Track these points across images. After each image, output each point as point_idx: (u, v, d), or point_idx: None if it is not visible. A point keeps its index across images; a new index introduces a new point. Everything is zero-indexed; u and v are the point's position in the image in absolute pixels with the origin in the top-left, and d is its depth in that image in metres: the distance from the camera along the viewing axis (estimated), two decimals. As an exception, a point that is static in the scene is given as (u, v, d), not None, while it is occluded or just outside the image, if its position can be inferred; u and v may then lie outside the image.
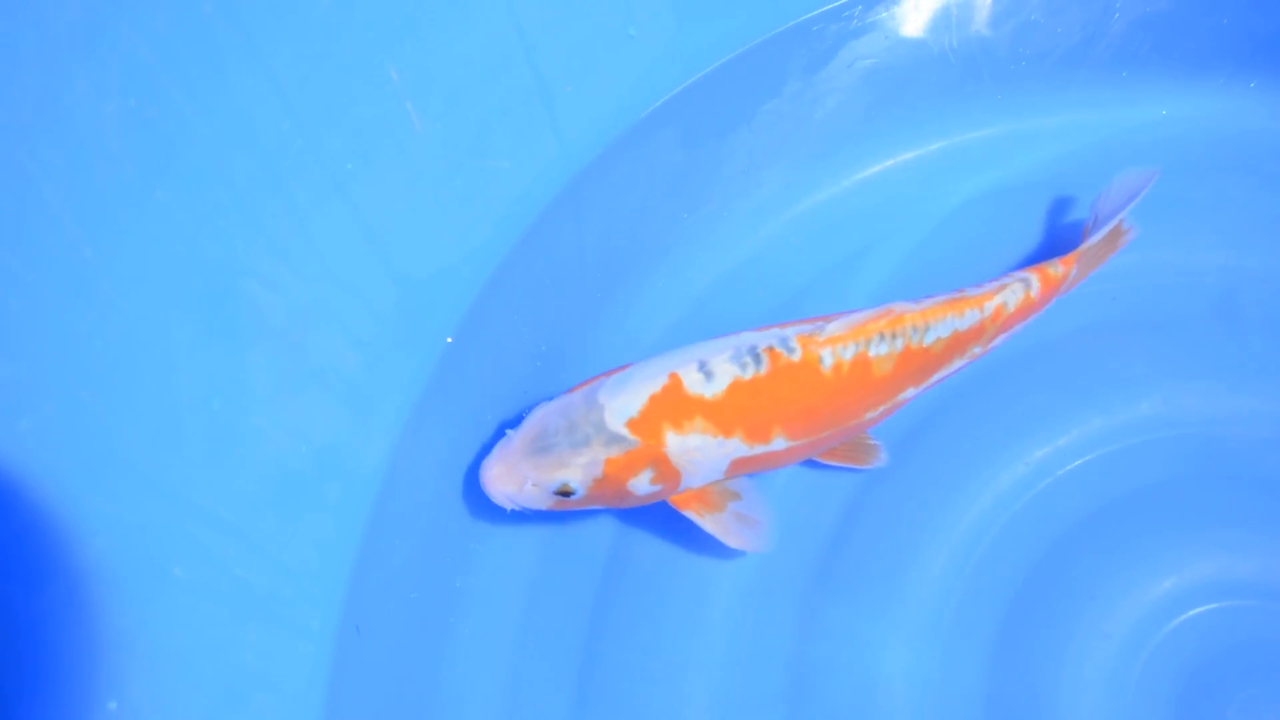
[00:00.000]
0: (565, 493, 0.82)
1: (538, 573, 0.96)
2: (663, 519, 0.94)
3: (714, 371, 0.81)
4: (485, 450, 0.95)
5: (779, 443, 0.84)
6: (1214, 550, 0.95)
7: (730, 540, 0.86)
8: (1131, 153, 1.07)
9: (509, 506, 0.84)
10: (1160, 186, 1.06)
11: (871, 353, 0.83)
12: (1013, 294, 0.91)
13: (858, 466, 0.93)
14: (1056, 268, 0.93)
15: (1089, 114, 1.09)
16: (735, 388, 0.81)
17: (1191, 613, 0.93)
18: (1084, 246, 0.95)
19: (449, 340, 0.97)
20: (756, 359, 0.81)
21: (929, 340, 0.86)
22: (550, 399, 0.85)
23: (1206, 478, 0.97)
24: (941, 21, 1.10)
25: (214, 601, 0.76)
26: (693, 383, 0.81)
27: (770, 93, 1.09)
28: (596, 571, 0.96)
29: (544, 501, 0.83)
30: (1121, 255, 1.05)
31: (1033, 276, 0.92)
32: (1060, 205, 1.06)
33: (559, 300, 1.01)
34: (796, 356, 0.82)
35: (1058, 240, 1.05)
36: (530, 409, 0.86)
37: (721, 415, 0.81)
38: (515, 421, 0.87)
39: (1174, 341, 1.01)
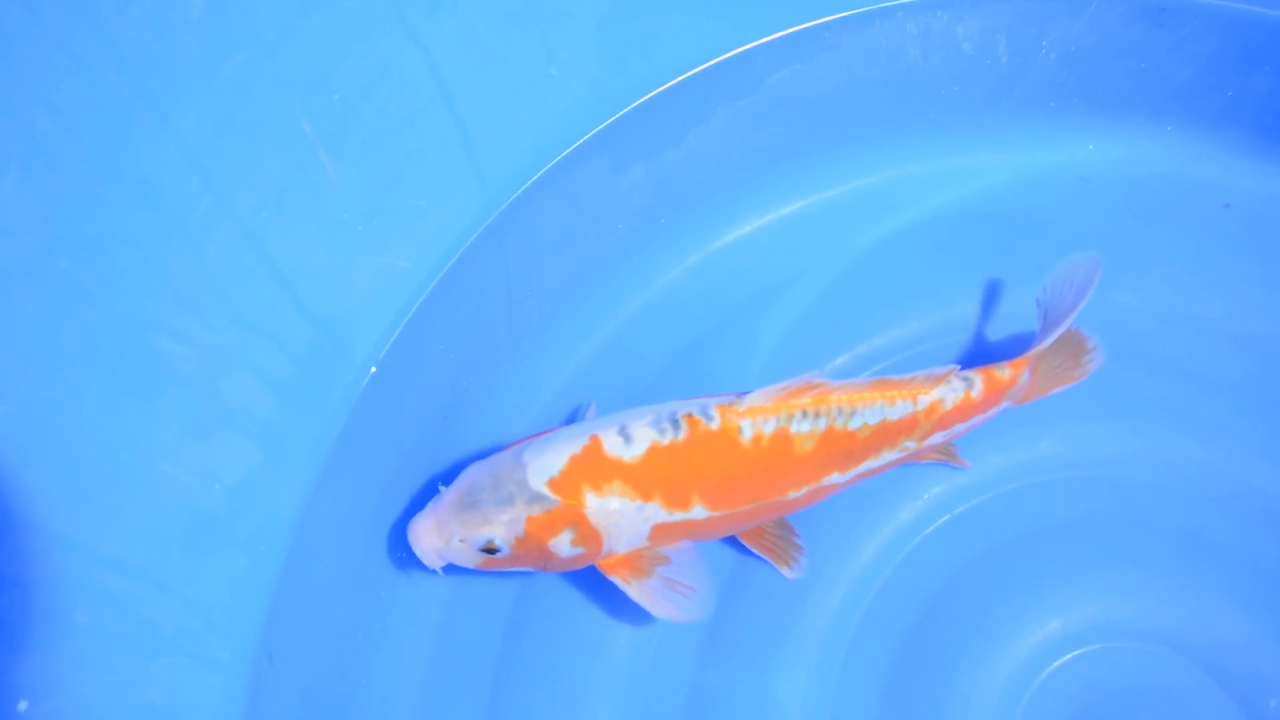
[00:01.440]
0: (490, 550, 0.84)
1: (451, 600, 0.99)
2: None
3: (633, 436, 0.83)
4: (407, 488, 0.98)
5: (699, 511, 0.85)
6: (1100, 592, 0.98)
7: (656, 610, 0.86)
8: (1053, 194, 1.09)
9: (438, 564, 0.87)
10: (1074, 227, 1.09)
11: (793, 429, 0.85)
12: (951, 391, 0.89)
13: (777, 566, 0.94)
14: (1004, 371, 0.92)
15: (1013, 153, 1.11)
16: (653, 452, 0.83)
17: (1074, 653, 0.96)
18: (1034, 350, 0.92)
19: (373, 370, 0.99)
20: (675, 425, 0.84)
21: (854, 425, 0.86)
22: (481, 456, 0.88)
23: (1100, 520, 1.00)
24: (870, 56, 1.11)
25: (119, 643, 0.79)
26: (612, 445, 0.83)
27: (697, 128, 1.10)
28: (507, 599, 0.99)
29: (471, 559, 0.86)
30: (1032, 293, 1.08)
31: (976, 377, 0.91)
32: (982, 244, 1.08)
33: (480, 338, 1.03)
34: (715, 425, 0.84)
35: (977, 278, 1.07)
36: (461, 466, 0.89)
37: (640, 479, 0.83)
38: (447, 476, 0.90)
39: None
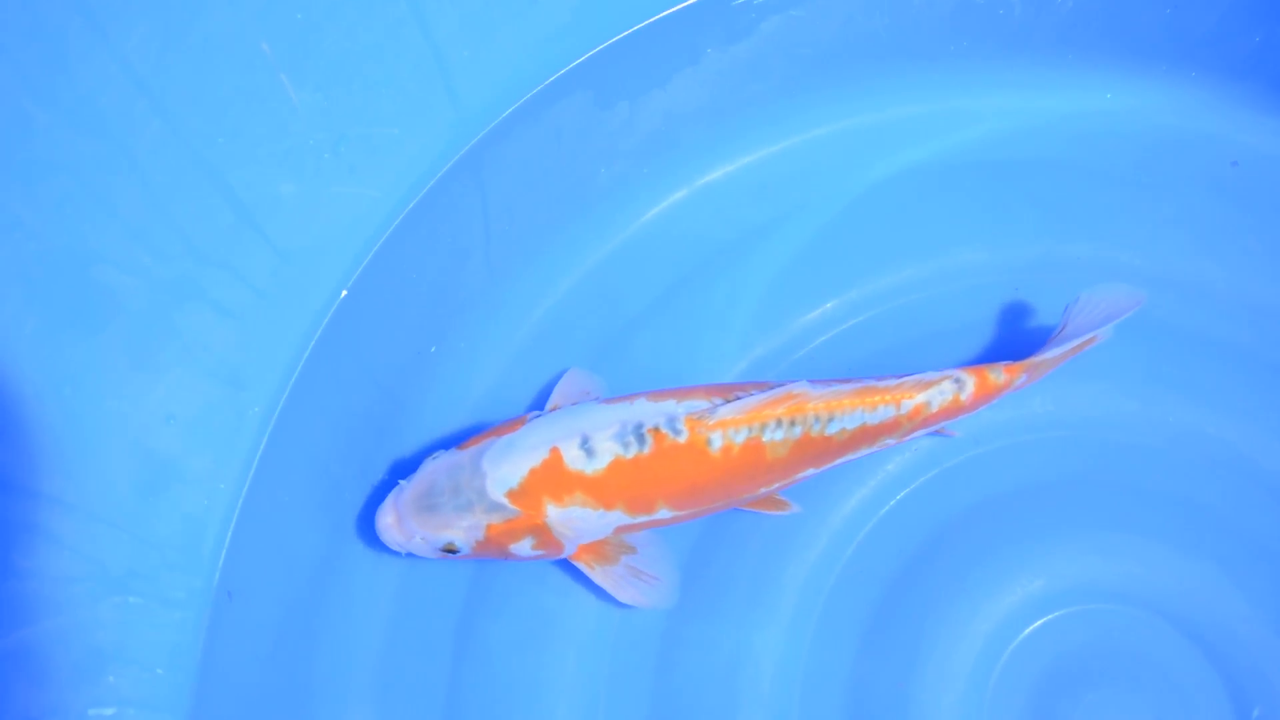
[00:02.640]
0: (451, 550, 0.84)
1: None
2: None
3: (595, 449, 0.81)
4: (375, 425, 0.96)
5: (664, 513, 0.85)
6: (1085, 554, 0.96)
7: (622, 595, 0.87)
8: (1060, 143, 1.05)
9: (402, 551, 0.87)
10: (1079, 179, 1.04)
11: (765, 438, 0.83)
12: (940, 394, 0.87)
13: (770, 513, 0.92)
14: (999, 375, 0.89)
15: (1024, 97, 1.05)
16: (616, 466, 0.81)
17: (1055, 614, 0.95)
18: (1039, 357, 0.89)
19: (344, 294, 0.96)
20: (640, 439, 0.81)
21: (832, 430, 0.84)
22: (445, 448, 0.87)
23: (1088, 480, 0.98)
24: (873, 3, 1.04)
25: (63, 585, 0.77)
26: (573, 459, 0.81)
27: (688, 59, 1.05)
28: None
29: (432, 554, 0.86)
30: (1030, 247, 1.03)
31: (969, 379, 0.88)
32: (985, 191, 1.04)
33: (453, 272, 1.00)
34: (683, 439, 0.82)
35: (978, 226, 1.03)
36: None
37: (602, 490, 0.82)
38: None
39: (1074, 340, 1.00)
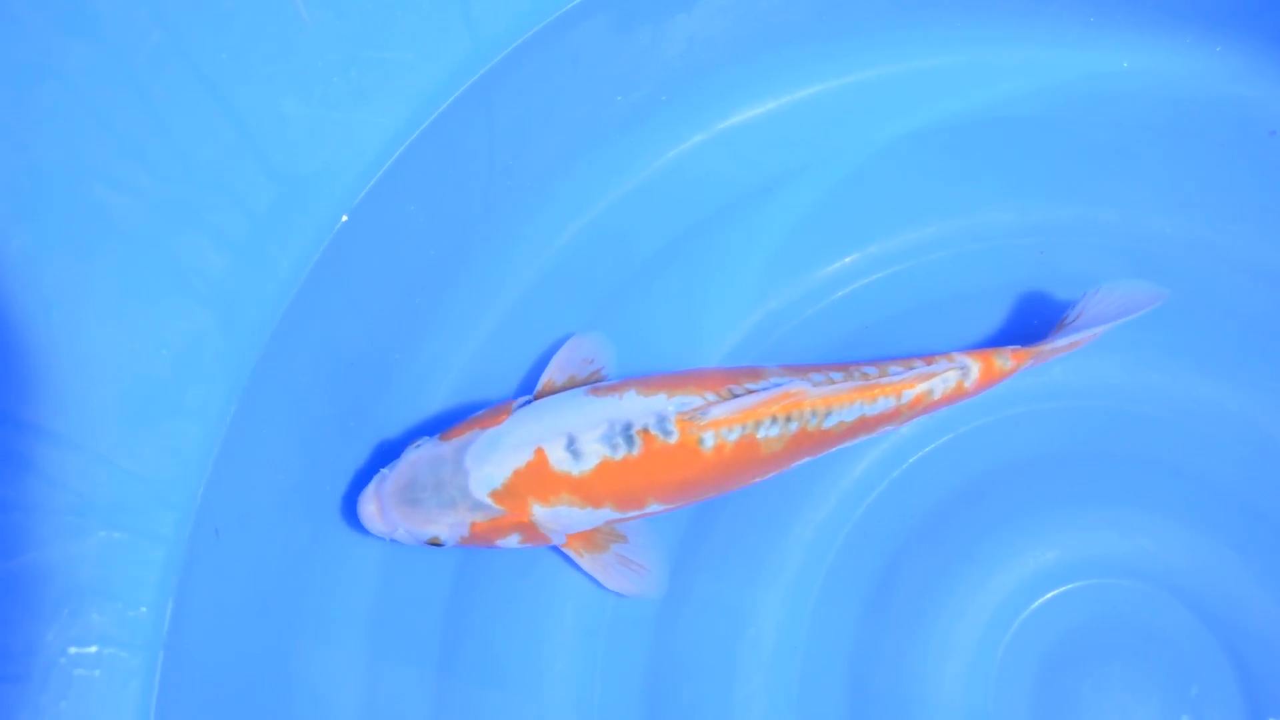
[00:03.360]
0: (435, 543, 0.83)
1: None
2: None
3: (582, 451, 0.80)
4: (368, 360, 0.93)
5: (655, 507, 0.84)
6: (1099, 527, 0.95)
7: (610, 583, 0.86)
8: (1089, 100, 1.01)
9: (385, 539, 0.85)
10: (1107, 142, 1.01)
11: (760, 435, 0.81)
12: (943, 383, 0.85)
13: None
14: (1005, 361, 0.87)
15: (1051, 53, 1.01)
16: (604, 466, 0.80)
17: (1065, 587, 0.94)
18: (1047, 345, 0.88)
19: (344, 219, 0.92)
20: (629, 440, 0.80)
21: (829, 424, 0.83)
22: (429, 436, 0.85)
23: (1106, 453, 0.96)
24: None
25: (46, 517, 0.74)
26: (559, 460, 0.80)
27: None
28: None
29: (416, 544, 0.84)
30: (1059, 210, 1.00)
31: (974, 365, 0.86)
32: (1017, 148, 1.00)
33: (455, 207, 0.96)
34: (673, 440, 0.80)
35: (1005, 186, 1.00)
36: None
37: (590, 490, 0.81)
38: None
39: (1098, 308, 0.97)
